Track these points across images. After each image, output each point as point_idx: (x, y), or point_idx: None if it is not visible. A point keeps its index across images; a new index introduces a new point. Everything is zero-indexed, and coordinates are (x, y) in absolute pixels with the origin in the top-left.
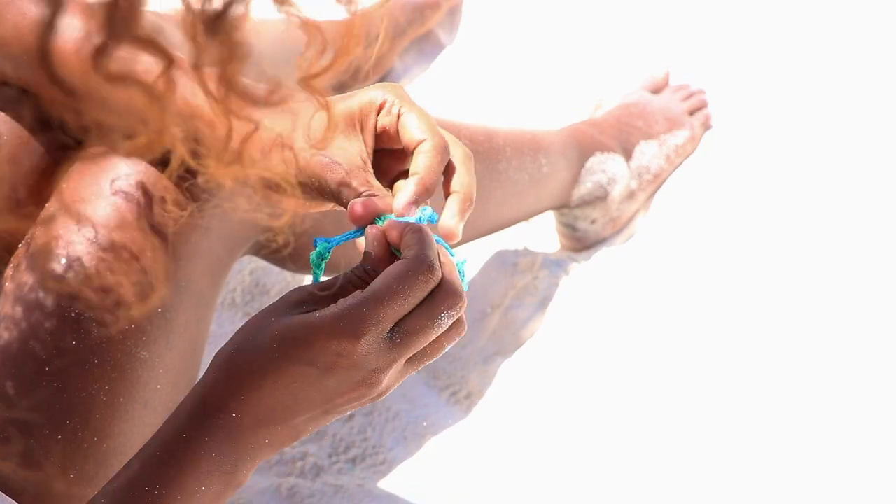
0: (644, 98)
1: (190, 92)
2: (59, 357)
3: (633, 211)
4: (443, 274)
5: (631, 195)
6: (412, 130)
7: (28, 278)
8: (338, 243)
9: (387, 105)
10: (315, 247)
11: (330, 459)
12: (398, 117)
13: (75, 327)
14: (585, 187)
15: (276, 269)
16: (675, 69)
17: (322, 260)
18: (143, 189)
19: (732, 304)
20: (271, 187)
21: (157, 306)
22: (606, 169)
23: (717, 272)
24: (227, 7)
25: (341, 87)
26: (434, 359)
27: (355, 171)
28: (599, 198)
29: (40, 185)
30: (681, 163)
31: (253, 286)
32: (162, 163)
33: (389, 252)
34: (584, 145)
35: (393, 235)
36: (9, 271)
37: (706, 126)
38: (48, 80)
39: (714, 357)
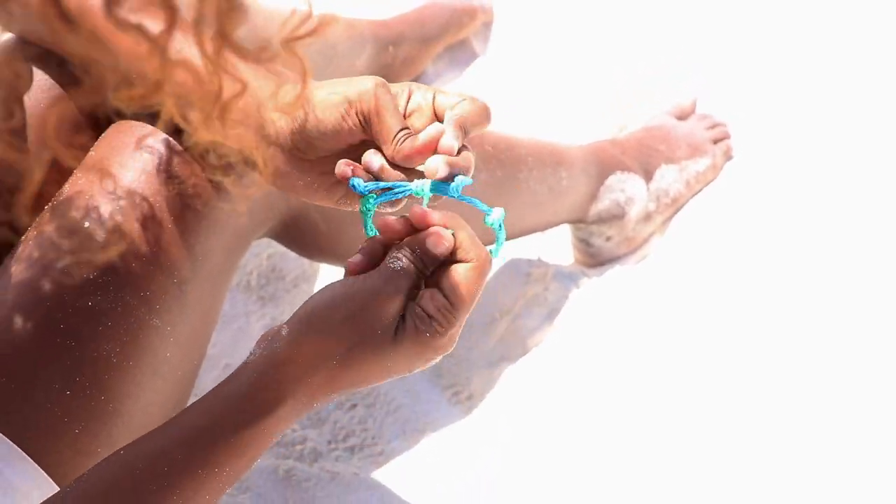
0: (669, 123)
1: (184, 46)
2: (74, 316)
3: (648, 232)
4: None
5: (647, 217)
6: (448, 97)
7: (50, 231)
8: (384, 199)
9: (419, 89)
10: (356, 190)
11: (329, 446)
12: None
13: (92, 289)
14: (603, 204)
15: (293, 254)
16: (701, 99)
17: (370, 213)
18: (170, 148)
19: (739, 336)
20: (247, 161)
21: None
22: (625, 188)
23: (728, 301)
24: None
25: None
26: None
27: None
28: (616, 216)
29: (71, 138)
30: (700, 189)
31: (269, 270)
32: (151, 118)
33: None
34: (605, 163)
35: (443, 221)
36: (36, 220)
37: (728, 156)
38: (56, 21)
39: (717, 382)
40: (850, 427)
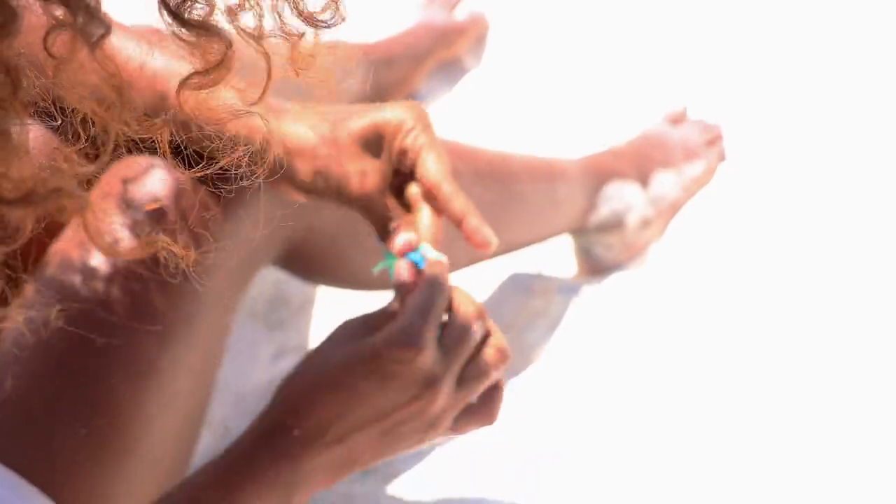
0: (663, 129)
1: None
2: (85, 355)
3: (648, 238)
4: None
5: (646, 223)
6: (430, 172)
7: (54, 270)
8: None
9: (412, 133)
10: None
11: None
12: (419, 150)
13: (102, 327)
14: (602, 214)
15: (298, 280)
16: (693, 104)
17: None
18: (169, 183)
19: (743, 332)
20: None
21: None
22: (623, 196)
23: (729, 300)
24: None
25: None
26: (482, 384)
27: (380, 190)
28: (615, 225)
29: None
30: (696, 192)
31: (275, 297)
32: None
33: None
34: (600, 172)
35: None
36: (41, 262)
37: (721, 158)
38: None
39: (723, 385)
40: (850, 423)
